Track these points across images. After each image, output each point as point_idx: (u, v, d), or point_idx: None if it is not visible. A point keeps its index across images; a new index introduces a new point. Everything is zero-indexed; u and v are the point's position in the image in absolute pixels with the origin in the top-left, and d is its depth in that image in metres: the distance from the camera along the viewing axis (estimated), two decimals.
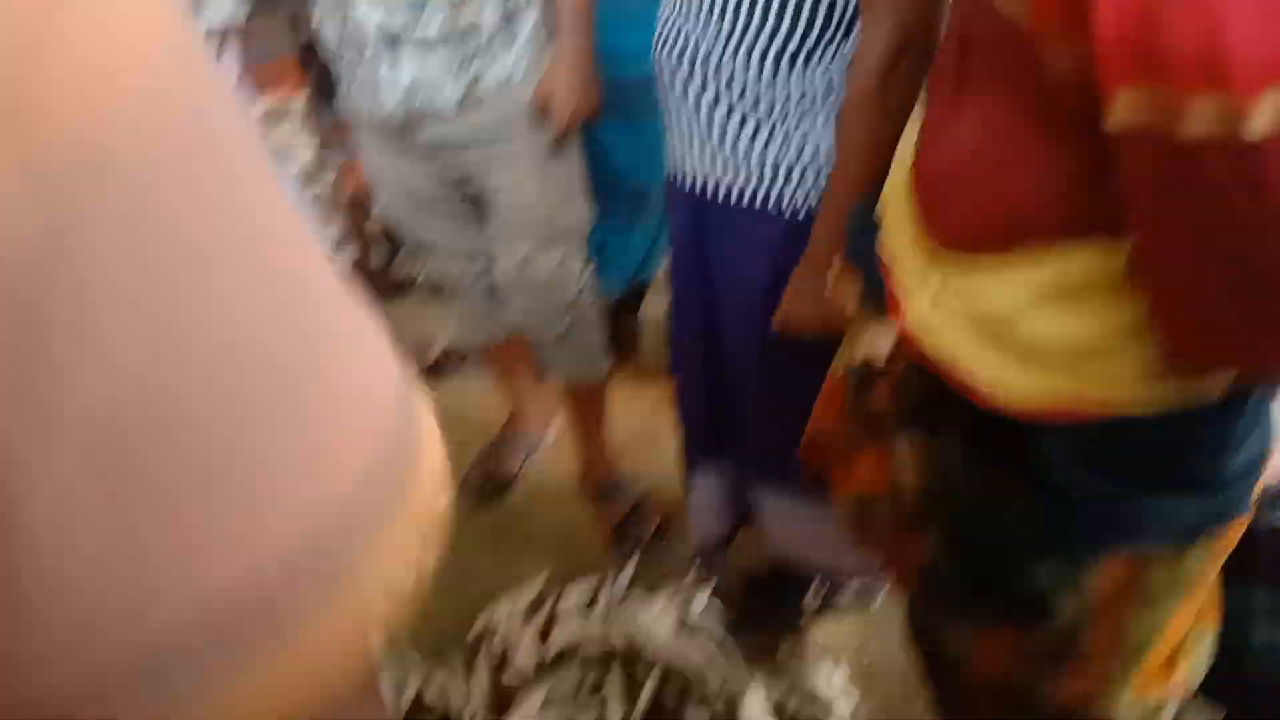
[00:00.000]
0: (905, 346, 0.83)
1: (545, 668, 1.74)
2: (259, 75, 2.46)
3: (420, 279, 3.01)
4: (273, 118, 3.68)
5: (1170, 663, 0.90)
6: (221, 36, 2.14)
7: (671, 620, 1.76)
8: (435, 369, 2.55)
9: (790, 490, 1.60)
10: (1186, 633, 0.87)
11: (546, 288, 1.82)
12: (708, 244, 1.45)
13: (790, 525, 1.67)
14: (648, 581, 1.90)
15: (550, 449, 2.31)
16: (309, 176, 3.20)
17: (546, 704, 1.67)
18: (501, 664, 1.75)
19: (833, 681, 1.66)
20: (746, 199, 1.35)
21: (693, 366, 1.62)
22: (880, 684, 1.70)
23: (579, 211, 1.82)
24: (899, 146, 0.86)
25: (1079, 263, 0.71)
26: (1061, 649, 0.89)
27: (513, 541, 2.08)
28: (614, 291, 2.46)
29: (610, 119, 2.14)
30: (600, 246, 2.36)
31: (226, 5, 2.10)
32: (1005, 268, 0.74)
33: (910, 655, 1.19)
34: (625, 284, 2.44)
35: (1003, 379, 0.77)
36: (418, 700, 1.71)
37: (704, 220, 1.43)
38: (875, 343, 0.86)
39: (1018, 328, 0.75)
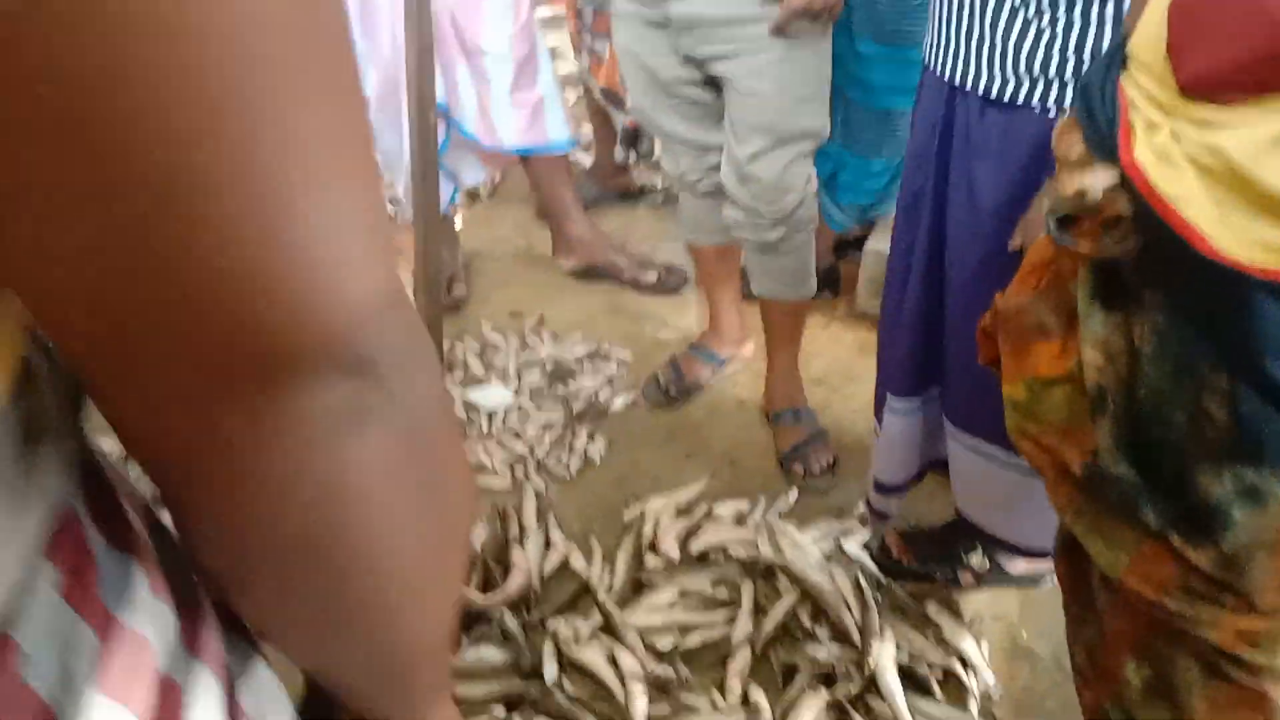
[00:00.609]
0: (1125, 183, 0.73)
1: (687, 564, 1.73)
2: None
3: (658, 185, 3.04)
4: (548, 24, 3.85)
5: None
6: None
7: (822, 548, 1.71)
8: (658, 284, 2.57)
9: (988, 440, 1.50)
10: None
11: (768, 189, 1.78)
12: (953, 144, 1.37)
13: (978, 481, 1.56)
14: (809, 513, 1.85)
15: (742, 369, 2.28)
16: (568, 79, 3.31)
17: (681, 597, 1.66)
18: (646, 552, 1.76)
19: (978, 648, 1.55)
20: (1009, 94, 1.26)
21: (907, 286, 1.53)
22: (1028, 665, 1.58)
23: (815, 117, 1.77)
24: None
25: None
26: (1230, 576, 0.77)
27: (684, 446, 2.08)
28: (839, 223, 2.39)
29: (869, 35, 2.07)
30: (834, 171, 2.30)
31: None
32: (1257, 112, 0.64)
33: (1058, 574, 1.08)
34: (855, 216, 2.36)
35: (1231, 230, 0.67)
36: (563, 566, 1.75)
37: (953, 119, 1.35)
38: (1093, 178, 0.76)
39: (1260, 176, 0.65)
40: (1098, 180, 0.74)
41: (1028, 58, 1.23)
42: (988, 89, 1.27)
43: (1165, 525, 0.80)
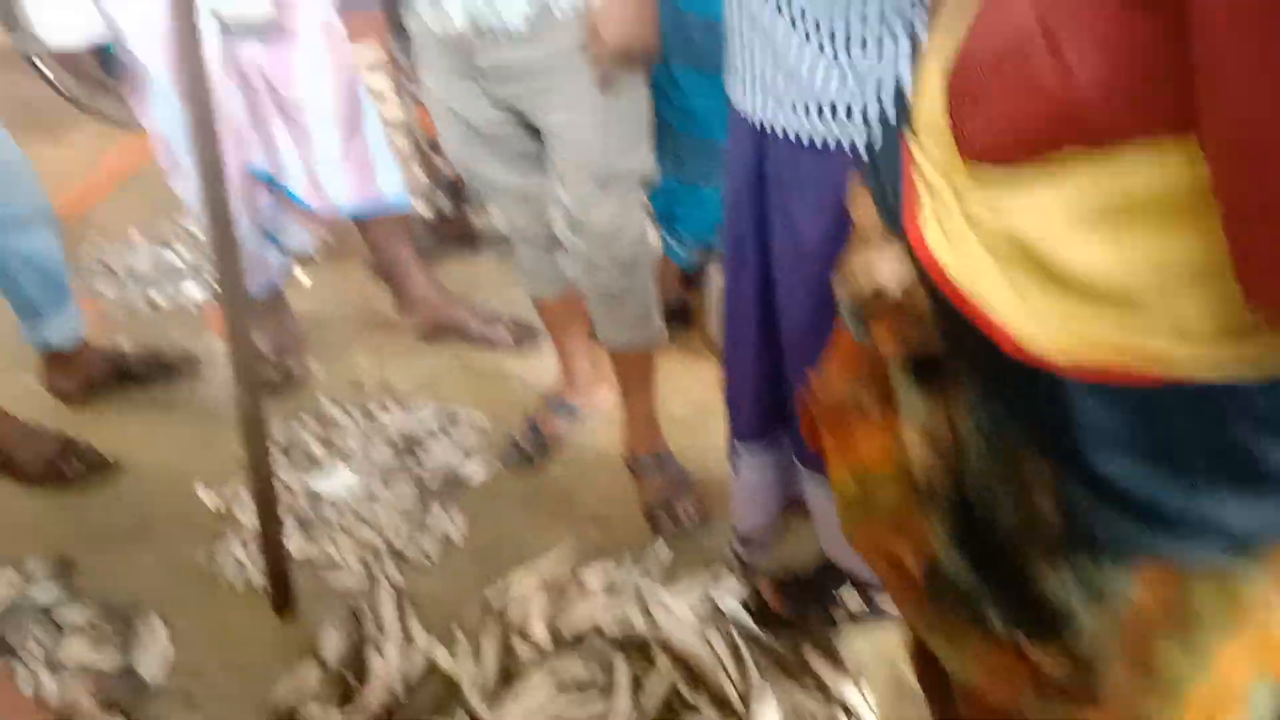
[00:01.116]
0: (921, 274, 0.69)
1: (559, 645, 1.64)
2: (352, 24, 2.43)
3: (489, 232, 2.94)
4: (364, 67, 3.71)
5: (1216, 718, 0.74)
6: None
7: (697, 609, 1.65)
8: (502, 343, 2.47)
9: None
10: (1240, 682, 0.70)
11: (602, 235, 1.71)
12: (768, 189, 1.33)
13: (835, 521, 1.53)
14: (681, 565, 1.79)
15: (597, 418, 2.21)
16: (396, 126, 3.18)
17: (555, 685, 1.57)
18: (516, 637, 1.66)
19: (861, 694, 1.51)
20: (819, 141, 1.22)
21: (745, 331, 1.49)
22: (915, 704, 1.55)
23: (641, 158, 1.72)
24: (935, 46, 0.71)
25: (1140, 173, 0.56)
26: (1082, 676, 0.74)
27: (548, 509, 1.99)
28: (683, 259, 2.34)
29: (687, 64, 2.02)
30: (670, 205, 2.25)
31: None
32: (1045, 179, 0.59)
33: (915, 675, 1.04)
34: (695, 251, 2.32)
35: (1035, 319, 0.63)
36: (429, 666, 1.64)
37: (765, 162, 1.31)
38: (886, 269, 0.71)
39: (1056, 254, 0.60)
40: (893, 271, 0.68)
41: (833, 101, 1.19)
42: (797, 134, 1.24)
43: (1010, 628, 0.76)
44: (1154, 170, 0.55)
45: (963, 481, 0.75)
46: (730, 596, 1.68)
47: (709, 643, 1.54)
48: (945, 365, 0.74)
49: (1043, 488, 0.69)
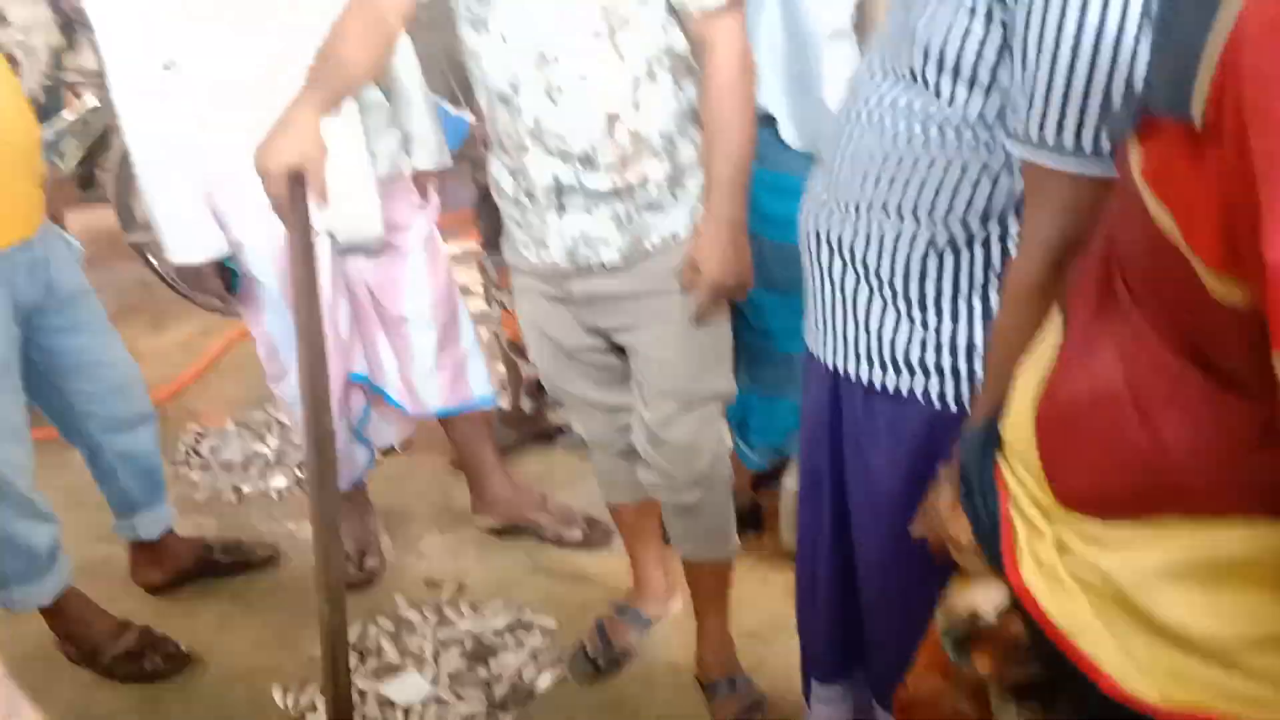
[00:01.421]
0: (1018, 603, 0.70)
1: None
2: (448, 221, 2.59)
3: (566, 427, 3.00)
4: (459, 260, 3.91)
5: None
6: (426, 179, 2.29)
7: None
8: (583, 542, 2.50)
9: None
10: None
11: (681, 452, 1.75)
12: (843, 429, 1.36)
13: None
14: None
15: (670, 626, 2.19)
16: (482, 317, 3.33)
17: None
18: None
19: None
20: (891, 385, 1.26)
21: (819, 570, 1.49)
22: None
23: (722, 379, 1.77)
24: (1025, 373, 0.75)
25: (1236, 541, 0.58)
26: None
27: None
28: (755, 463, 2.36)
29: (761, 284, 2.10)
30: (744, 415, 2.29)
31: (433, 151, 2.26)
32: (1140, 534, 0.61)
33: None
34: (767, 457, 2.35)
35: (1131, 662, 0.63)
36: None
37: (841, 404, 1.34)
38: (985, 596, 0.73)
39: (1151, 603, 0.61)
40: (990, 599, 0.70)
41: (905, 352, 1.23)
42: (870, 380, 1.27)
43: None
44: (1251, 540, 0.57)
45: None
46: None
47: None
48: (1041, 698, 0.74)
49: None
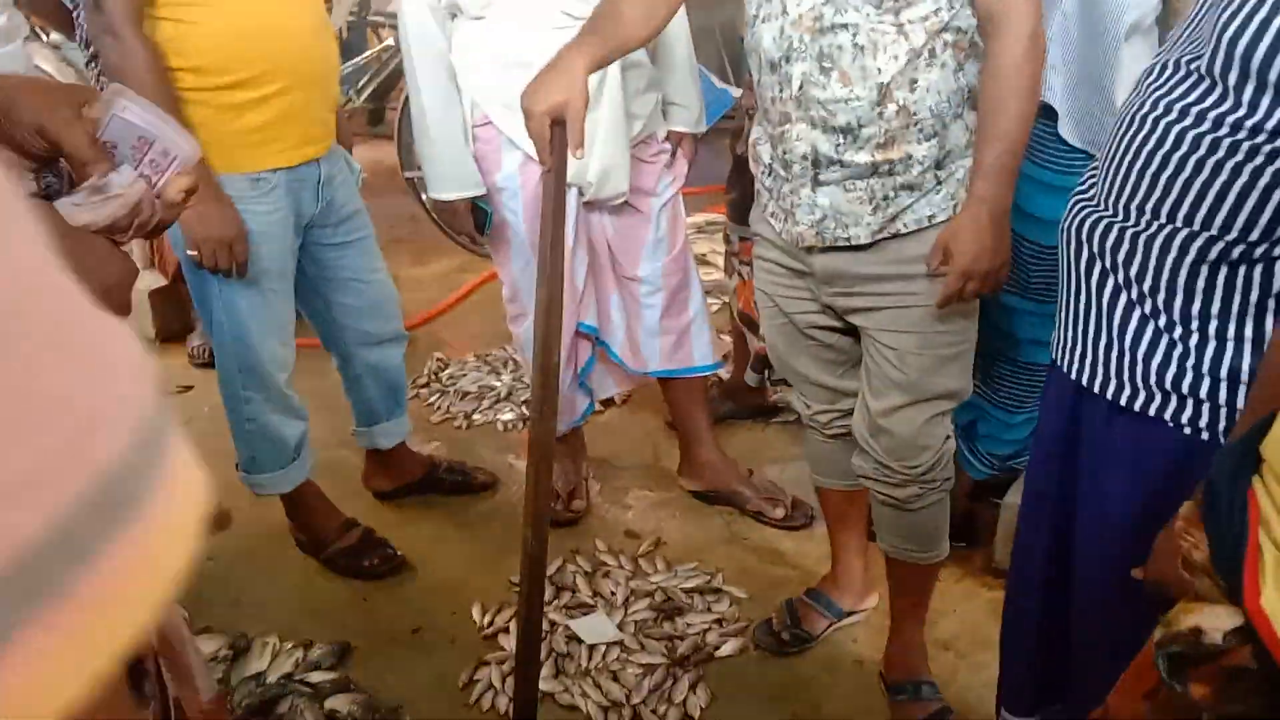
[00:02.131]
0: (1252, 632, 0.62)
1: None
2: (700, 192, 2.62)
3: (792, 405, 2.97)
4: (703, 230, 3.94)
5: None
6: (678, 144, 2.33)
7: None
8: (783, 520, 2.47)
9: None
10: None
11: (902, 445, 1.69)
12: (1080, 445, 1.26)
13: None
14: None
15: (862, 623, 2.13)
16: (718, 287, 3.35)
17: None
18: None
19: None
20: (1139, 403, 1.16)
21: (1030, 595, 1.40)
22: None
23: (958, 378, 1.69)
24: None
25: None
26: None
27: (792, 707, 1.93)
28: (978, 471, 2.25)
29: (1013, 289, 1.99)
30: (975, 420, 2.19)
31: (690, 119, 2.29)
32: None
33: None
34: (992, 467, 2.23)
35: None
36: None
37: (1080, 422, 1.25)
38: (1213, 618, 0.66)
39: None
40: (1219, 621, 0.63)
41: (1159, 371, 1.13)
42: (1116, 395, 1.18)
43: None
44: None
45: None
46: None
47: None
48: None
49: None
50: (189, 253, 1.92)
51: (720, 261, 3.34)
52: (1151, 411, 1.14)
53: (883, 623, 2.01)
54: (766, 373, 2.82)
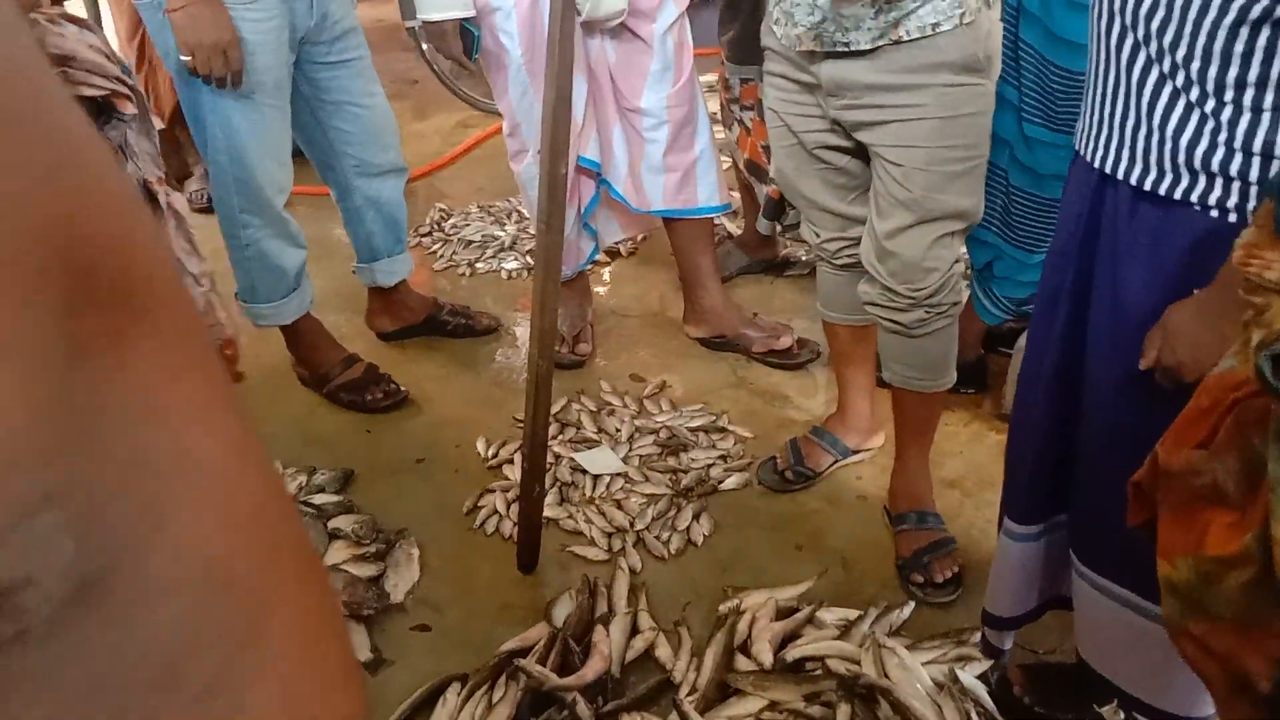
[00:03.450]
0: None
1: (781, 671, 1.58)
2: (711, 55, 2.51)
3: (802, 258, 2.92)
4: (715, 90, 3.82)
5: None
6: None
7: (934, 674, 1.53)
8: (789, 353, 2.44)
9: (1122, 582, 1.31)
10: None
11: (908, 267, 1.65)
12: (1099, 240, 1.21)
13: (1107, 627, 1.37)
14: (924, 630, 1.67)
15: (867, 462, 2.12)
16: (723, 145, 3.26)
17: (769, 709, 1.51)
18: (738, 652, 1.62)
19: None
20: (1164, 186, 1.11)
21: (1038, 399, 1.37)
22: None
23: (967, 196, 1.63)
24: None
25: None
26: None
27: (795, 537, 1.93)
28: (991, 316, 2.21)
29: (1039, 118, 1.91)
30: (992, 260, 2.13)
31: None
32: None
33: None
34: (1009, 309, 2.18)
35: None
36: (648, 654, 1.64)
37: (1101, 214, 1.20)
38: None
39: None
40: None
41: (1188, 148, 1.08)
42: (1141, 179, 1.12)
43: None
44: None
45: None
46: (974, 674, 1.54)
47: (941, 712, 1.43)
48: None
49: None
50: (182, 58, 1.84)
51: (721, 120, 3.24)
52: (1178, 195, 1.09)
53: (888, 463, 1.99)
54: (779, 220, 2.75)
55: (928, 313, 1.70)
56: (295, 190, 2.19)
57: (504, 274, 2.92)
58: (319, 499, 1.97)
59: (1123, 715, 1.45)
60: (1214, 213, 1.09)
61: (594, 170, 2.29)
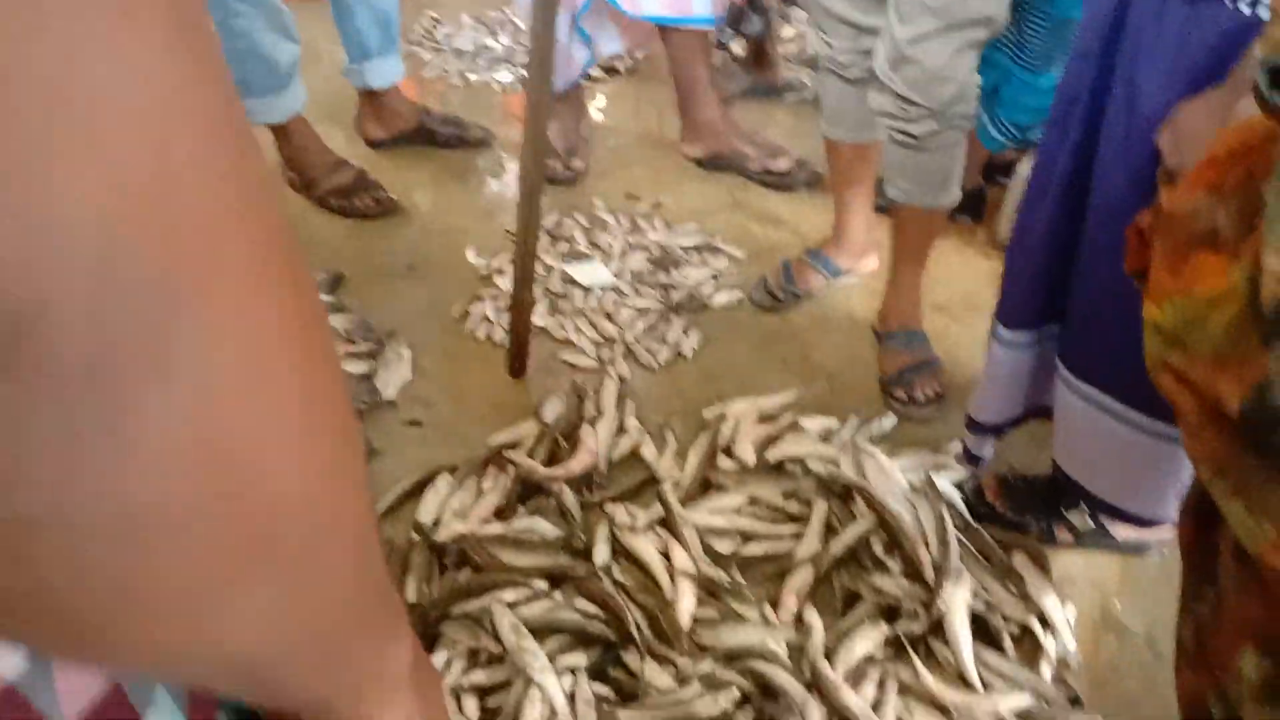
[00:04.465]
0: None
1: (762, 471, 1.63)
2: None
3: (805, 84, 2.85)
4: None
5: None
6: None
7: (910, 479, 1.58)
8: (787, 175, 2.41)
9: (1105, 391, 1.33)
10: None
11: (927, 76, 1.60)
12: (1120, 51, 1.18)
13: (1086, 434, 1.40)
14: (904, 442, 1.72)
15: (859, 284, 2.13)
16: None
17: (750, 504, 1.56)
18: (721, 454, 1.66)
19: (1062, 610, 1.40)
20: None
21: (1043, 207, 1.36)
22: (1117, 639, 1.43)
23: (994, 5, 1.58)
24: None
25: None
26: None
27: (782, 353, 1.96)
28: (994, 143, 2.18)
29: None
30: (999, 84, 2.09)
31: None
32: None
33: (1180, 537, 0.94)
34: (1012, 137, 2.15)
35: None
36: (633, 454, 1.68)
37: (1129, 8, 1.16)
38: None
39: None
40: None
41: None
42: None
43: None
44: None
45: None
46: (949, 481, 1.59)
47: (915, 511, 1.48)
48: None
49: None
50: None
51: None
52: None
53: (879, 287, 2.00)
54: (739, 29, 2.64)
55: (939, 124, 1.67)
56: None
57: (497, 86, 2.84)
58: None
59: (1089, 518, 1.51)
60: (1245, 8, 1.06)
61: None
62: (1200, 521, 0.88)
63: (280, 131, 2.24)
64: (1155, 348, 0.79)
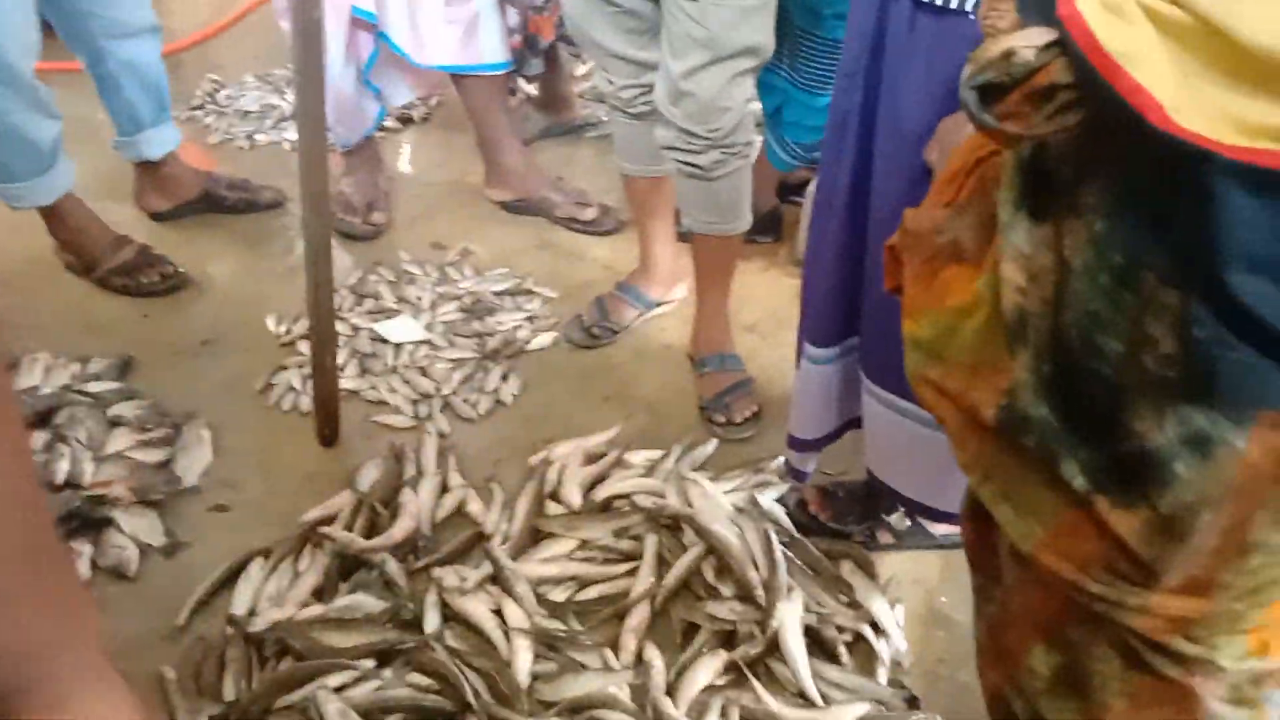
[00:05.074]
0: (1066, 41, 0.59)
1: (591, 512, 1.61)
2: None
3: (591, 121, 2.87)
4: None
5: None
6: None
7: (736, 501, 1.59)
8: (593, 222, 2.42)
9: (903, 396, 1.38)
10: None
11: (704, 108, 1.64)
12: (882, 66, 1.23)
13: (892, 438, 1.45)
14: (727, 464, 1.73)
15: (672, 313, 2.15)
16: None
17: (581, 548, 1.54)
18: (549, 500, 1.64)
19: (891, 612, 1.44)
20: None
21: (831, 226, 1.40)
22: (945, 633, 1.48)
23: (759, 32, 1.63)
24: None
25: None
26: (1158, 548, 0.66)
27: (602, 389, 1.95)
28: (784, 164, 2.25)
29: None
30: (781, 105, 2.16)
31: None
32: None
33: (964, 542, 0.97)
34: (800, 156, 2.23)
35: (1195, 96, 0.54)
36: (459, 511, 1.63)
37: (885, 27, 1.21)
38: (1024, 38, 0.62)
39: (1233, 23, 0.52)
40: (1030, 39, 0.60)
41: None
42: None
43: (1090, 483, 0.68)
44: None
45: (1062, 319, 0.67)
46: (772, 498, 1.62)
47: (742, 533, 1.49)
48: (1066, 175, 0.65)
49: (1165, 316, 0.61)
50: None
51: None
52: (953, 3, 1.12)
53: (690, 313, 2.03)
54: (519, 71, 2.65)
55: (723, 154, 1.71)
56: (45, 66, 1.95)
57: (286, 145, 2.75)
58: (94, 387, 1.83)
59: (906, 519, 1.56)
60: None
61: (370, 22, 2.16)
62: (979, 524, 0.91)
63: (52, 213, 2.09)
64: (915, 363, 0.82)
